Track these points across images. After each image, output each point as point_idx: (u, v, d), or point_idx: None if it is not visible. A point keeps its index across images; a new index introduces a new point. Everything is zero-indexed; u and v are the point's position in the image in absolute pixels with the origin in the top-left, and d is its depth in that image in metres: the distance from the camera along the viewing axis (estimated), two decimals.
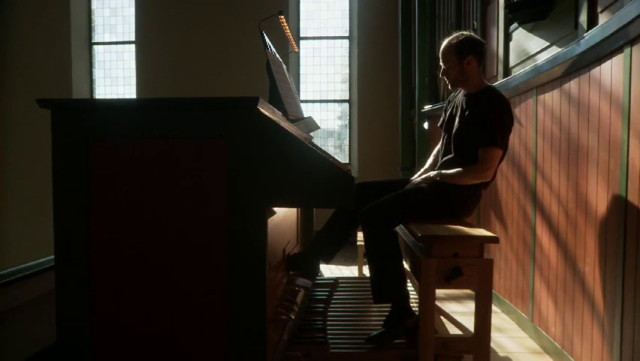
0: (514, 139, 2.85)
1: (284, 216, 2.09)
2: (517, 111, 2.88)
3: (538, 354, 2.51)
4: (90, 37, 6.65)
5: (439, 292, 2.51)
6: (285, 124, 1.72)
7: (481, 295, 2.00)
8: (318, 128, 3.35)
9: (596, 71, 2.04)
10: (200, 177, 1.52)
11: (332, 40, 6.47)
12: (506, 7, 3.00)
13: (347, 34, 6.42)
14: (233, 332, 1.52)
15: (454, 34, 2.34)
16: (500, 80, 3.10)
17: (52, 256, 1.62)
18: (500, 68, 3.23)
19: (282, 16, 2.78)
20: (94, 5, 6.63)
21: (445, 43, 2.34)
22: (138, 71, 6.43)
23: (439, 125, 2.58)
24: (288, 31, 3.01)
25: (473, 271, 1.98)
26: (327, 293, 2.63)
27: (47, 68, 6.26)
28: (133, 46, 6.53)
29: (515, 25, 2.98)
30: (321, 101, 6.51)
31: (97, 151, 1.54)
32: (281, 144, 1.49)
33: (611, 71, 1.92)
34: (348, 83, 6.45)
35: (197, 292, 1.54)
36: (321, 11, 6.46)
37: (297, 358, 1.92)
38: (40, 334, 2.08)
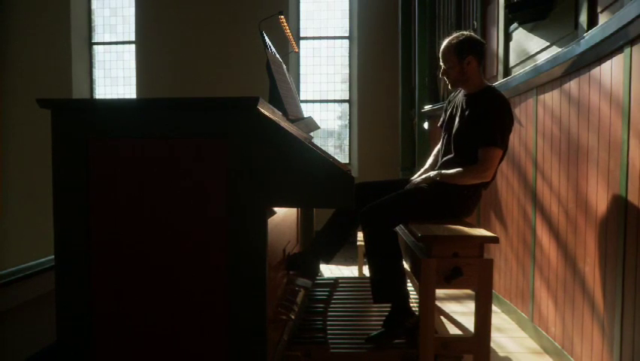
0: (514, 139, 2.85)
1: (284, 216, 2.09)
2: (517, 111, 2.88)
3: (538, 354, 2.51)
4: (90, 37, 6.65)
5: (439, 292, 2.51)
6: (285, 124, 1.72)
7: (481, 295, 2.00)
8: (318, 128, 3.35)
9: (596, 71, 2.04)
10: (200, 177, 1.52)
11: (332, 40, 6.47)
12: (506, 7, 3.00)
13: (347, 34, 6.42)
14: (233, 332, 1.52)
15: (454, 34, 2.34)
16: (500, 80, 3.10)
17: (52, 256, 1.62)
18: (500, 68, 3.23)
19: (282, 16, 2.78)
20: (94, 5, 6.63)
21: (445, 43, 2.34)
22: (138, 71, 6.43)
23: (439, 125, 2.58)
24: (288, 31, 3.01)
25: (473, 271, 1.98)
26: (327, 293, 2.63)
27: (47, 68, 6.26)
28: (133, 46, 6.53)
29: (515, 25, 2.98)
30: (321, 101, 6.51)
31: (97, 151, 1.54)
32: (281, 144, 1.49)
33: (611, 71, 1.92)
34: (348, 83, 6.45)
35: (197, 292, 1.54)
36: (321, 11, 6.46)
37: (297, 358, 1.92)
38: (40, 334, 2.08)
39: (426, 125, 4.83)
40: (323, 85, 6.50)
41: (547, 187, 2.52)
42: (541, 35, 2.68)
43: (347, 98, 6.46)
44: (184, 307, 1.55)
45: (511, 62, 3.11)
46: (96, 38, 6.69)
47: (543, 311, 2.56)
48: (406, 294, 2.22)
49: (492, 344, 2.25)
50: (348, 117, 6.48)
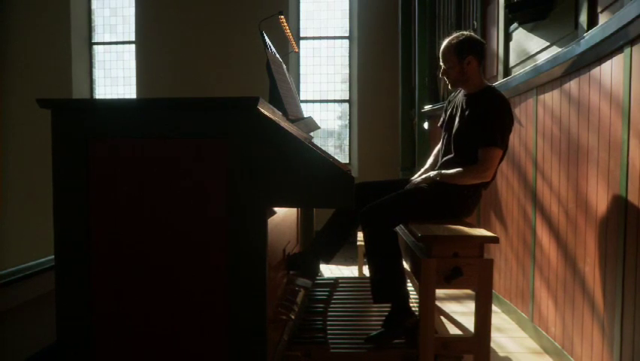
0: (514, 139, 2.85)
1: (284, 216, 2.09)
2: (517, 111, 2.88)
3: (538, 354, 2.51)
4: (90, 37, 6.65)
5: (439, 292, 2.51)
6: (285, 124, 1.72)
7: (481, 295, 2.00)
8: (318, 128, 3.35)
9: (596, 71, 2.04)
10: (200, 177, 1.52)
11: (332, 40, 6.47)
12: (506, 7, 3.00)
13: (347, 34, 6.42)
14: (233, 332, 1.52)
15: (454, 34, 2.34)
16: (500, 80, 3.10)
17: (52, 256, 1.62)
18: (500, 68, 3.23)
19: (282, 16, 2.78)
20: (94, 5, 6.63)
21: (445, 43, 2.34)
22: (138, 71, 6.43)
23: (439, 125, 2.58)
24: (288, 31, 3.01)
25: (473, 271, 1.98)
26: (327, 293, 2.63)
27: (47, 68, 6.26)
28: (133, 46, 6.53)
29: (515, 25, 2.98)
30: (321, 101, 6.51)
31: (97, 151, 1.54)
32: (281, 144, 1.49)
33: (611, 71, 1.92)
34: (348, 83, 6.45)
35: (197, 292, 1.54)
36: (321, 11, 6.46)
37: (297, 358, 1.92)
38: (40, 334, 2.08)
39: (426, 125, 4.83)
40: (323, 85, 6.50)
41: (547, 187, 2.52)
42: (541, 35, 2.68)
43: (347, 98, 6.46)
44: (184, 307, 1.55)
45: (511, 62, 3.11)
46: (96, 38, 6.69)
47: (543, 311, 2.56)
48: (406, 294, 2.22)
49: (492, 344, 2.25)
50: (348, 117, 6.48)
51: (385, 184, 2.47)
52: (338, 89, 6.52)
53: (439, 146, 2.53)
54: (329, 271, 4.41)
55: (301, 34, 6.42)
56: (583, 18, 2.21)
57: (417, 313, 2.23)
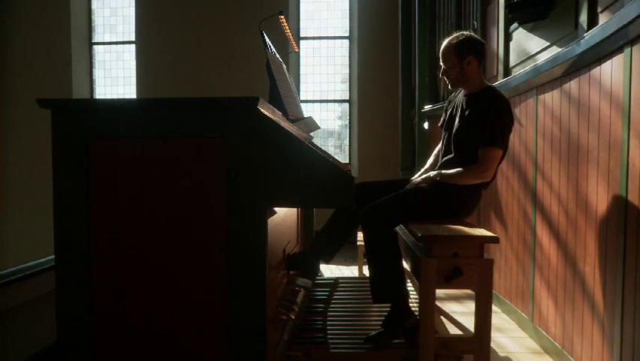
0: (514, 139, 2.85)
1: (284, 216, 2.09)
2: (517, 111, 2.88)
3: (539, 354, 2.51)
4: (90, 37, 6.65)
5: (439, 292, 2.51)
6: (285, 124, 1.72)
7: (481, 295, 2.00)
8: (318, 128, 3.35)
9: (596, 71, 2.04)
10: (200, 177, 1.52)
11: (332, 40, 6.47)
12: (506, 7, 3.00)
13: (347, 34, 6.42)
14: (233, 332, 1.52)
15: (454, 34, 2.34)
16: (500, 80, 3.10)
17: (52, 256, 1.62)
18: (500, 68, 3.23)
19: (282, 16, 2.78)
20: (94, 5, 6.63)
21: (445, 43, 2.34)
22: (138, 71, 6.43)
23: (439, 125, 2.58)
24: (288, 31, 3.01)
25: (473, 271, 1.98)
26: (327, 293, 2.64)
27: (47, 68, 6.26)
28: (133, 46, 6.53)
29: (515, 25, 2.98)
30: (321, 101, 6.51)
31: (97, 151, 1.54)
32: (281, 144, 1.49)
33: (611, 71, 1.92)
34: (348, 83, 6.45)
35: (197, 292, 1.54)
36: (321, 11, 6.46)
37: (297, 358, 1.92)
38: (40, 334, 2.08)
39: (426, 125, 4.83)
40: (323, 85, 6.50)
41: (548, 187, 2.52)
42: (542, 35, 2.68)
43: (347, 98, 6.46)
44: (184, 307, 1.55)
45: (511, 62, 3.11)
46: (96, 38, 6.69)
47: (543, 311, 2.56)
48: (406, 294, 2.22)
49: (492, 344, 2.25)
50: (348, 117, 6.48)
51: (385, 184, 2.47)
52: (338, 89, 6.52)
53: (439, 146, 2.53)
54: (329, 271, 4.41)
55: (301, 34, 6.42)
56: (583, 18, 2.21)
57: (417, 313, 2.23)
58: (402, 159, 5.57)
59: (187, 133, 1.53)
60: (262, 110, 1.50)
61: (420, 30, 4.96)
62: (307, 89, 6.49)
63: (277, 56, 2.62)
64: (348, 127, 6.48)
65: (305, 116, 2.86)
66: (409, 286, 2.69)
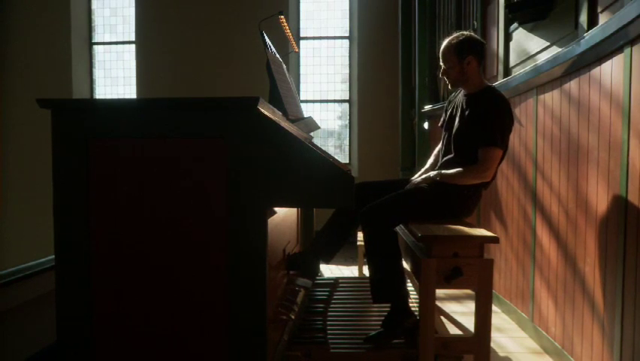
0: (514, 139, 2.85)
1: (284, 216, 2.09)
2: (517, 111, 2.88)
3: (539, 354, 2.51)
4: (90, 37, 6.65)
5: (439, 292, 2.51)
6: (285, 124, 1.72)
7: (481, 295, 2.00)
8: (318, 128, 3.35)
9: (596, 71, 2.04)
10: (200, 177, 1.52)
11: (332, 40, 6.47)
12: (506, 7, 3.00)
13: (347, 34, 6.42)
14: (233, 332, 1.52)
15: (454, 34, 2.34)
16: (500, 80, 3.10)
17: (52, 256, 1.62)
18: (500, 68, 3.23)
19: (282, 16, 2.78)
20: (94, 5, 6.63)
21: (445, 43, 2.34)
22: (138, 71, 6.43)
23: (439, 125, 2.58)
24: (288, 31, 3.01)
25: (473, 271, 1.98)
26: (327, 293, 2.64)
27: (47, 68, 6.26)
28: (133, 46, 6.53)
29: (515, 25, 2.98)
30: (321, 101, 6.51)
31: (97, 151, 1.54)
32: (281, 144, 1.49)
33: (611, 71, 1.92)
34: (348, 83, 6.45)
35: (197, 292, 1.54)
36: (321, 11, 6.46)
37: (297, 358, 1.92)
38: (40, 334, 2.08)
39: (426, 125, 4.83)
40: (323, 85, 6.50)
41: (548, 187, 2.52)
42: (542, 35, 2.68)
43: (347, 98, 6.46)
44: (184, 307, 1.55)
45: (511, 62, 3.11)
46: (96, 38, 6.69)
47: (543, 311, 2.56)
48: (406, 294, 2.22)
49: (492, 344, 2.25)
50: (348, 117, 6.48)
51: (385, 184, 2.47)
52: (338, 89, 6.52)
53: (439, 146, 2.53)
54: (329, 271, 4.41)
55: (301, 34, 6.41)
56: (583, 18, 2.21)
57: (417, 313, 2.23)
58: (402, 159, 5.57)
59: (187, 133, 1.53)
60: (262, 110, 1.50)
61: (420, 30, 4.96)
62: (307, 89, 6.49)
63: (277, 56, 2.62)
64: (348, 127, 6.48)
65: (305, 116, 2.86)
66: (409, 286, 2.69)
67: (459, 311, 3.15)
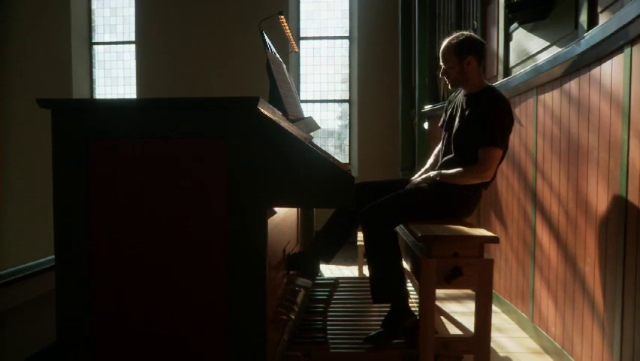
0: (514, 139, 2.85)
1: (284, 216, 2.09)
2: (517, 111, 2.88)
3: (539, 354, 2.51)
4: (90, 37, 6.65)
5: (439, 292, 2.51)
6: (285, 124, 1.72)
7: (481, 295, 2.00)
8: (318, 128, 3.35)
9: (596, 71, 2.04)
10: (200, 177, 1.52)
11: (332, 40, 6.47)
12: (506, 7, 3.00)
13: (347, 34, 6.42)
14: (233, 332, 1.52)
15: (454, 34, 2.34)
16: (500, 80, 3.10)
17: (52, 256, 1.62)
18: (500, 68, 3.23)
19: (282, 16, 2.78)
20: (94, 5, 6.63)
21: (445, 43, 2.34)
22: (138, 71, 6.43)
23: (439, 125, 2.58)
24: (288, 31, 3.01)
25: (473, 271, 1.98)
26: (327, 293, 2.64)
27: (47, 68, 6.26)
28: (133, 46, 6.53)
29: (515, 25, 2.98)
30: (321, 101, 6.51)
31: (97, 151, 1.54)
32: (281, 144, 1.49)
33: (611, 71, 1.92)
34: (348, 83, 6.45)
35: (197, 292, 1.54)
36: (321, 11, 6.46)
37: (297, 358, 1.92)
38: (40, 334, 2.08)
39: (426, 125, 4.83)
40: (323, 85, 6.50)
41: (548, 187, 2.52)
42: (542, 35, 2.68)
43: (347, 98, 6.46)
44: (184, 307, 1.55)
45: (511, 62, 3.11)
46: (96, 38, 6.69)
47: (543, 311, 2.56)
48: (406, 294, 2.22)
49: (492, 344, 2.25)
50: (348, 117, 6.48)
51: (385, 184, 2.47)
52: (338, 89, 6.52)
53: (439, 146, 2.53)
54: (329, 271, 4.41)
55: (301, 34, 6.41)
56: (583, 18, 2.21)
57: (417, 313, 2.23)
58: (402, 159, 5.57)
59: (187, 133, 1.53)
60: (262, 110, 1.50)
61: (420, 30, 4.96)
62: (307, 89, 6.49)
63: (277, 56, 2.62)
64: (348, 127, 6.48)
65: (305, 116, 2.86)
66: (409, 286, 2.69)
67: (459, 311, 3.15)
